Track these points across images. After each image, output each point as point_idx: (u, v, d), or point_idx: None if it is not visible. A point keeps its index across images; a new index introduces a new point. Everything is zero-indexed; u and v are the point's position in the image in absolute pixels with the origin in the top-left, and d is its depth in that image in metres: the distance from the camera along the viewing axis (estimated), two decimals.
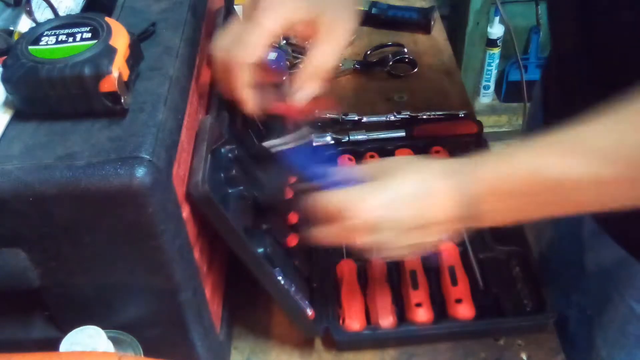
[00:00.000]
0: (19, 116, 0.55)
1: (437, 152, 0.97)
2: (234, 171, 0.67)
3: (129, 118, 0.54)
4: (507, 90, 2.31)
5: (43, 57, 0.53)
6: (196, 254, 0.62)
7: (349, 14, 0.68)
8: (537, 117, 0.98)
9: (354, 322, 0.76)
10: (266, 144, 0.70)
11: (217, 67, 0.65)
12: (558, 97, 0.85)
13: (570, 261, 0.89)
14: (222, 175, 0.66)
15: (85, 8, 0.69)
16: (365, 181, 0.61)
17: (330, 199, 0.62)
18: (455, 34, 2.17)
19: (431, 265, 0.81)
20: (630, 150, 0.54)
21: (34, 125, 0.54)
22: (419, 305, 0.77)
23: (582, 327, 0.90)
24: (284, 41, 1.21)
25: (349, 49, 1.29)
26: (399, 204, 0.60)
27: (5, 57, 0.55)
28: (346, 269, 0.82)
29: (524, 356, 0.75)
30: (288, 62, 1.15)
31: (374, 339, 0.76)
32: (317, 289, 0.80)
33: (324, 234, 0.63)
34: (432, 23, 1.31)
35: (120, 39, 0.54)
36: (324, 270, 0.82)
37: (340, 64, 1.22)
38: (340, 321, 0.77)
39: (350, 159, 0.98)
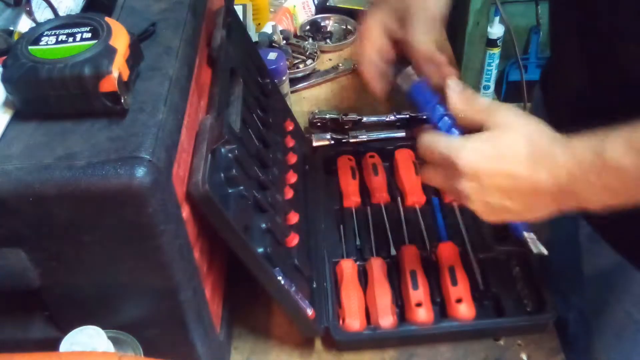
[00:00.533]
0: (19, 116, 0.55)
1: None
2: (234, 171, 0.67)
3: (129, 118, 0.54)
4: (507, 90, 2.31)
5: (43, 57, 0.53)
6: (196, 254, 0.62)
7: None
8: (540, 117, 0.98)
9: (354, 322, 0.76)
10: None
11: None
12: (559, 98, 0.85)
13: (568, 264, 0.89)
14: (222, 175, 0.66)
15: (85, 8, 0.69)
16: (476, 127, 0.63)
17: (439, 144, 0.63)
18: (455, 34, 2.17)
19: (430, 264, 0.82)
20: None
21: (34, 125, 0.54)
22: (419, 305, 0.77)
23: (581, 329, 0.90)
24: (284, 41, 1.21)
25: (349, 48, 1.29)
26: (496, 160, 0.60)
27: (5, 57, 0.55)
28: (346, 269, 0.82)
29: (524, 356, 0.75)
30: (288, 62, 1.15)
31: (374, 339, 0.76)
32: (317, 289, 0.80)
33: (430, 176, 0.66)
34: None
35: (120, 39, 0.54)
36: (324, 270, 0.82)
37: (340, 64, 1.22)
38: (340, 321, 0.77)
39: (350, 159, 0.98)
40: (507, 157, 0.60)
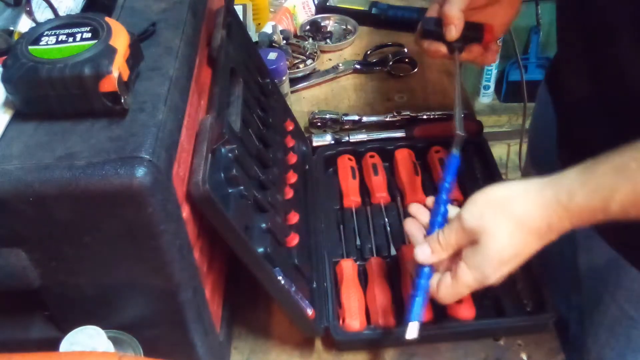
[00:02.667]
0: (19, 116, 0.55)
1: (437, 152, 0.97)
2: (234, 171, 0.67)
3: (129, 118, 0.54)
4: (507, 90, 2.30)
5: (43, 57, 0.53)
6: (196, 254, 0.62)
7: None
8: (545, 117, 0.98)
9: (354, 322, 0.76)
10: None
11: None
12: (567, 98, 0.85)
13: (567, 264, 0.89)
14: (222, 175, 0.66)
15: (85, 8, 0.69)
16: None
17: (463, 289, 0.65)
18: None
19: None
20: None
21: (34, 125, 0.54)
22: None
23: (580, 329, 0.90)
24: (284, 41, 1.21)
25: (349, 49, 1.29)
26: (506, 262, 0.62)
27: (5, 57, 0.55)
28: (346, 269, 0.82)
29: (524, 356, 0.75)
30: (288, 62, 1.15)
31: (374, 339, 0.76)
32: (317, 289, 0.80)
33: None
34: None
35: (120, 39, 0.54)
36: (324, 270, 0.82)
37: (340, 64, 1.22)
38: (340, 321, 0.77)
39: (350, 159, 0.98)
40: (519, 253, 0.62)
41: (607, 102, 0.72)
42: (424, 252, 0.67)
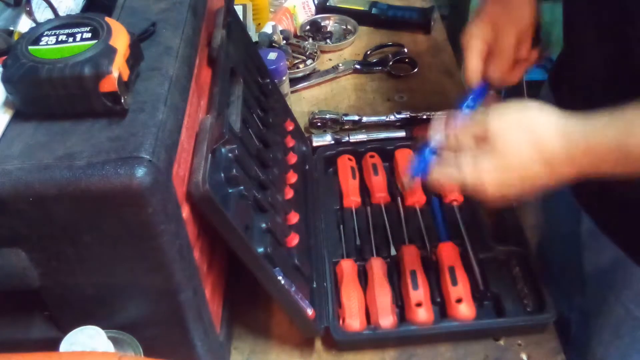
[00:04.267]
0: (19, 116, 0.55)
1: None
2: (234, 171, 0.67)
3: (129, 118, 0.54)
4: (507, 90, 2.30)
5: (43, 57, 0.53)
6: (196, 254, 0.62)
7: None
8: None
9: (354, 322, 0.76)
10: None
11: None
12: (572, 96, 0.85)
13: (570, 263, 0.89)
14: (222, 175, 0.66)
15: (85, 8, 0.69)
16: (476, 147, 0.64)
17: (450, 179, 0.65)
18: (455, 34, 2.17)
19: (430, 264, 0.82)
20: None
21: (34, 125, 0.54)
22: (419, 305, 0.77)
23: (582, 329, 0.90)
24: (284, 41, 1.21)
25: (349, 49, 1.29)
26: (508, 173, 0.62)
27: (5, 57, 0.55)
28: (346, 269, 0.82)
29: (524, 356, 0.75)
30: (288, 62, 1.15)
31: (374, 339, 0.76)
32: (317, 289, 0.80)
33: (445, 170, 0.66)
34: (432, 23, 1.31)
35: (120, 39, 0.54)
36: (324, 270, 0.82)
37: (340, 64, 1.22)
38: (340, 321, 0.77)
39: (350, 159, 0.98)
40: (524, 175, 0.62)
41: (623, 96, 0.72)
42: (439, 122, 0.68)
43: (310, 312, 0.74)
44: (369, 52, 1.26)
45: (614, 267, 0.80)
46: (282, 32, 1.22)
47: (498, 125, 0.62)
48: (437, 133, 0.68)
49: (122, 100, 0.53)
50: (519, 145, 0.61)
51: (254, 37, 1.18)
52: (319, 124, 1.07)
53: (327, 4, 1.38)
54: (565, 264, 0.91)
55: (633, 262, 0.76)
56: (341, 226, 0.90)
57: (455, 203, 0.90)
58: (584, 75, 0.78)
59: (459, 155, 0.64)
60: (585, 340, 0.89)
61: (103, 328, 0.57)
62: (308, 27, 1.33)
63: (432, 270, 0.82)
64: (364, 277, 0.83)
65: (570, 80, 0.85)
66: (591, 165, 0.59)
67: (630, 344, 0.82)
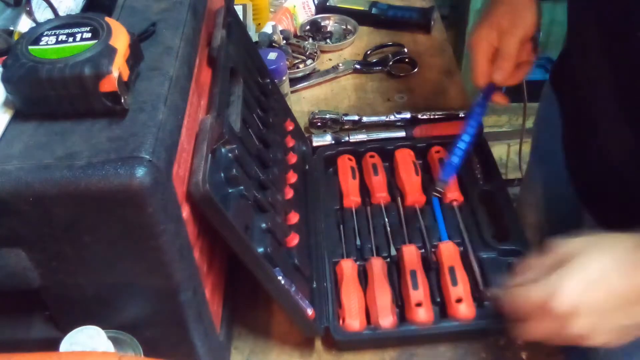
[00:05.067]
0: (19, 116, 0.55)
1: (437, 152, 0.97)
2: (234, 171, 0.67)
3: (129, 118, 0.54)
4: (507, 90, 2.30)
5: (43, 57, 0.53)
6: (196, 254, 0.62)
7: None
8: (549, 117, 0.98)
9: (354, 322, 0.76)
10: None
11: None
12: (574, 96, 0.85)
13: None
14: (222, 175, 0.66)
15: (85, 8, 0.69)
16: (551, 271, 0.61)
17: (528, 295, 0.61)
18: (455, 34, 2.17)
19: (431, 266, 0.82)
20: None
21: (34, 125, 0.54)
22: (419, 305, 0.77)
23: None
24: (284, 41, 1.21)
25: (349, 49, 1.29)
26: (592, 285, 0.58)
27: (5, 57, 0.55)
28: (346, 269, 0.82)
29: (524, 356, 0.75)
30: (288, 62, 1.15)
31: (374, 339, 0.76)
32: (317, 289, 0.80)
33: (532, 330, 0.63)
34: (432, 23, 1.31)
35: (120, 39, 0.54)
36: (324, 270, 0.82)
37: (340, 64, 1.22)
38: (340, 321, 0.77)
39: (350, 159, 0.98)
40: (601, 280, 0.58)
41: (626, 95, 0.71)
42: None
43: (310, 312, 0.74)
44: (369, 52, 1.26)
45: None
46: (282, 32, 1.22)
47: (570, 249, 0.59)
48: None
49: (122, 100, 0.53)
50: (597, 258, 0.58)
51: (254, 37, 1.18)
52: (319, 124, 1.07)
53: (327, 4, 1.38)
54: None
55: None
56: (341, 226, 0.90)
57: (455, 203, 0.90)
58: (586, 74, 0.78)
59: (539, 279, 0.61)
60: None
61: (103, 328, 0.57)
62: (308, 27, 1.33)
63: (432, 270, 0.82)
64: (364, 277, 0.83)
65: (572, 79, 0.85)
66: None
67: (632, 342, 0.82)
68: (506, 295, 0.63)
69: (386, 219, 0.89)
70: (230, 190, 0.67)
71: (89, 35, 0.54)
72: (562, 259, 0.60)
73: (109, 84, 0.52)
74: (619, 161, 0.76)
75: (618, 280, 0.58)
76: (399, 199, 0.92)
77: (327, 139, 1.02)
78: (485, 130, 1.03)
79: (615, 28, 0.69)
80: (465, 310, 0.76)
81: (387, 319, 0.76)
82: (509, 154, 2.19)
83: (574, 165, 0.90)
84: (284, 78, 1.06)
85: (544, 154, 1.03)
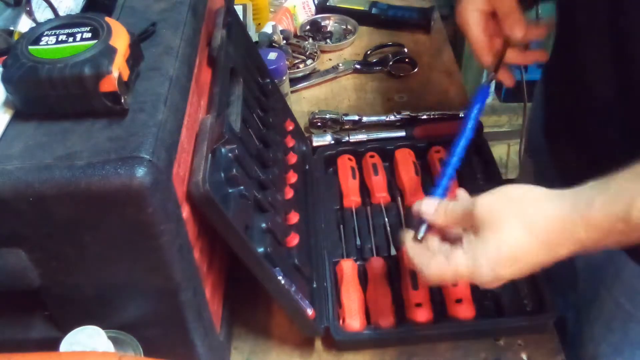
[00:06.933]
0: (19, 116, 0.55)
1: (437, 152, 0.97)
2: (234, 171, 0.67)
3: (129, 118, 0.54)
4: (507, 90, 2.30)
5: (43, 57, 0.53)
6: (196, 254, 0.62)
7: None
8: (537, 118, 0.98)
9: (354, 322, 0.76)
10: None
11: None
12: (565, 93, 0.85)
13: (564, 261, 0.89)
14: (222, 175, 0.66)
15: (85, 8, 0.69)
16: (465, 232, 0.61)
17: (441, 271, 0.61)
18: (455, 34, 2.16)
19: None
20: None
21: (34, 125, 0.54)
22: (419, 305, 0.77)
23: (577, 326, 0.90)
24: (284, 41, 1.21)
25: (349, 49, 1.29)
26: (508, 262, 0.58)
27: (5, 57, 0.55)
28: (346, 269, 0.82)
29: (524, 356, 0.75)
30: (288, 62, 1.15)
31: (374, 339, 0.76)
32: (317, 289, 0.80)
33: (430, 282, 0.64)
34: (432, 23, 1.31)
35: (120, 39, 0.54)
36: (324, 270, 0.82)
37: (340, 64, 1.22)
38: (340, 321, 0.77)
39: (350, 159, 0.98)
40: (520, 258, 0.58)
41: (618, 90, 0.71)
42: (428, 205, 0.65)
43: (310, 312, 0.74)
44: (369, 52, 1.26)
45: (606, 261, 0.80)
46: (282, 32, 1.22)
47: (486, 215, 0.58)
48: (427, 206, 0.65)
49: (122, 100, 0.53)
50: (511, 232, 0.57)
51: (254, 37, 1.18)
52: (319, 124, 1.07)
53: (327, 4, 1.38)
54: (558, 262, 0.91)
55: (625, 256, 0.76)
56: (341, 226, 0.90)
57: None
58: (577, 71, 0.78)
59: (448, 249, 0.61)
60: (580, 336, 0.89)
61: (103, 328, 0.57)
62: (308, 27, 1.33)
63: None
64: (364, 277, 0.83)
65: (564, 77, 0.85)
66: (593, 242, 0.55)
67: (622, 338, 0.82)
68: (424, 268, 0.62)
69: (386, 219, 0.89)
70: (230, 190, 0.67)
71: (89, 35, 0.54)
72: (479, 221, 0.59)
73: (109, 84, 0.52)
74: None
75: (535, 257, 0.58)
76: (399, 198, 0.92)
77: (327, 139, 1.02)
78: (485, 130, 1.03)
79: (605, 22, 0.68)
80: (465, 310, 0.76)
81: (387, 319, 0.76)
82: (509, 154, 2.19)
83: (558, 156, 0.90)
84: (284, 78, 1.06)
85: (533, 149, 1.03)
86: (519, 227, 0.57)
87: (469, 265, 0.59)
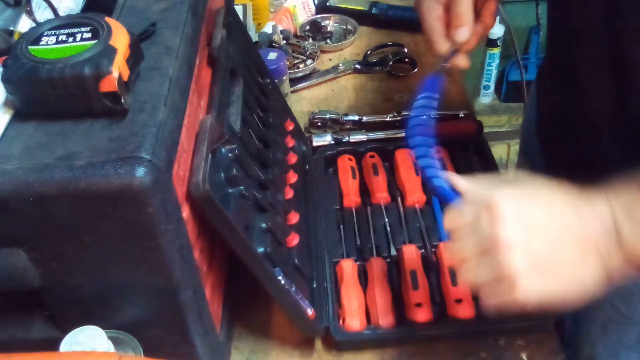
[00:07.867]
0: (19, 116, 0.55)
1: (437, 152, 0.97)
2: (234, 171, 0.67)
3: (129, 118, 0.54)
4: (507, 91, 2.31)
5: (43, 57, 0.53)
6: (196, 254, 0.62)
7: None
8: (530, 119, 0.98)
9: (354, 322, 0.76)
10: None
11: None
12: (559, 94, 0.85)
13: None
14: (222, 175, 0.66)
15: (85, 8, 0.69)
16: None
17: (471, 194, 0.59)
18: None
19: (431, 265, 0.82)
20: None
21: (34, 125, 0.54)
22: (419, 305, 0.77)
23: (574, 328, 0.90)
24: (284, 41, 1.21)
25: (349, 49, 1.29)
26: (543, 202, 0.55)
27: (5, 57, 0.55)
28: (346, 269, 0.82)
29: (524, 356, 0.75)
30: (288, 62, 1.15)
31: (374, 339, 0.76)
32: (317, 289, 0.80)
33: (461, 248, 0.60)
34: None
35: (120, 39, 0.54)
36: (324, 270, 0.82)
37: (340, 64, 1.22)
38: (340, 321, 0.77)
39: (350, 159, 0.98)
40: (547, 200, 0.55)
41: (612, 90, 0.71)
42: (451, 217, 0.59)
43: (310, 312, 0.74)
44: (369, 52, 1.26)
45: None
46: (282, 32, 1.22)
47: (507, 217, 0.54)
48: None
49: (122, 100, 0.53)
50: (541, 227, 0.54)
51: (254, 37, 1.18)
52: (319, 124, 1.07)
53: (327, 4, 1.38)
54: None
55: None
56: (341, 226, 0.90)
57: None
58: (571, 72, 0.78)
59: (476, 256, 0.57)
60: (576, 338, 0.89)
61: (103, 328, 0.57)
62: (308, 27, 1.33)
63: (432, 270, 0.82)
64: (364, 277, 0.83)
65: (557, 78, 0.84)
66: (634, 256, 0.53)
67: (617, 341, 0.82)
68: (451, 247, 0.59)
69: (386, 219, 0.89)
70: (230, 190, 0.67)
71: (89, 35, 0.54)
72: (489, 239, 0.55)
73: (109, 84, 0.52)
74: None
75: (570, 216, 0.54)
76: (399, 199, 0.92)
77: (327, 139, 1.02)
78: (485, 130, 1.04)
79: (599, 21, 0.68)
80: (465, 310, 0.76)
81: (387, 319, 0.76)
82: (509, 154, 2.19)
83: (549, 153, 0.90)
84: (284, 78, 1.06)
85: (527, 149, 1.03)
86: (549, 185, 0.55)
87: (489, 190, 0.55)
